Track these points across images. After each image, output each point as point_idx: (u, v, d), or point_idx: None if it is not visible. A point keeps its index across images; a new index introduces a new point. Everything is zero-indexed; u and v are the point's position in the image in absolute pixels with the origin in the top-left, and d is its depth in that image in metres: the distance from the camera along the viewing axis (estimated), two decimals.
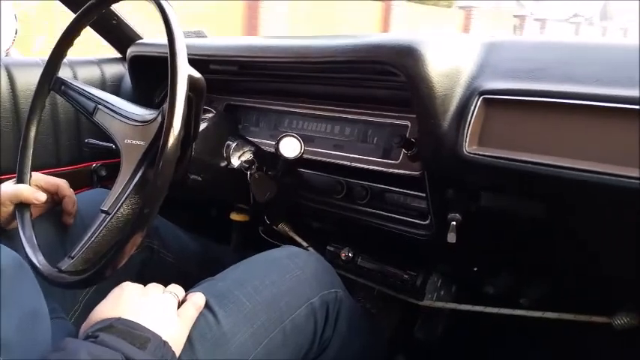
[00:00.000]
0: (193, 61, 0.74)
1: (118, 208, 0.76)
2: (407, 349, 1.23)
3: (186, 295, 0.73)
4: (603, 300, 0.98)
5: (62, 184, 0.90)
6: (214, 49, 1.11)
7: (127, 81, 1.37)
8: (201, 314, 0.71)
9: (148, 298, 0.67)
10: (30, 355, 0.56)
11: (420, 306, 1.14)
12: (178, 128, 0.66)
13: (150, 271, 1.05)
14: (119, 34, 1.34)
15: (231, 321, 0.71)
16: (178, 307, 0.69)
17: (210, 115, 0.98)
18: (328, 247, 1.22)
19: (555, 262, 0.95)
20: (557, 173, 0.68)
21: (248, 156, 0.98)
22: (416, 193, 0.98)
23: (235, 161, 0.97)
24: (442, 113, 0.78)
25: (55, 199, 0.90)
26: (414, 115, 0.85)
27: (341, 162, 1.04)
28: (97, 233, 0.75)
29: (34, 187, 0.86)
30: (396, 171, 0.97)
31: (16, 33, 1.81)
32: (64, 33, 0.90)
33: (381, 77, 0.94)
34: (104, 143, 1.17)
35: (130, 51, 1.26)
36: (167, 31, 0.71)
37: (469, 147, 0.76)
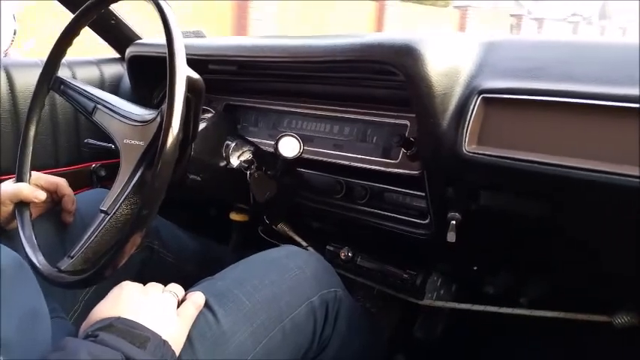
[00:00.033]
0: (192, 61, 0.74)
1: (117, 208, 0.76)
2: (407, 349, 1.23)
3: (185, 295, 0.73)
4: (603, 299, 0.98)
5: (61, 182, 0.90)
6: (213, 48, 1.11)
7: (126, 81, 1.37)
8: (200, 313, 0.71)
9: (148, 298, 0.67)
10: (30, 354, 0.56)
11: (420, 305, 1.14)
12: (177, 129, 0.66)
13: (149, 270, 1.05)
14: (118, 34, 1.34)
15: (230, 320, 0.71)
16: (178, 307, 0.69)
17: (210, 115, 0.98)
18: (328, 247, 1.22)
19: (555, 261, 0.95)
20: (556, 172, 0.68)
21: (247, 156, 0.98)
22: (415, 192, 0.98)
23: (234, 161, 0.97)
24: (441, 112, 0.78)
25: (54, 198, 0.90)
26: (414, 115, 0.85)
27: (340, 162, 1.04)
28: (96, 233, 0.75)
29: (34, 186, 0.86)
30: (395, 170, 0.97)
31: (14, 33, 1.81)
32: (63, 33, 0.90)
33: (381, 77, 0.94)
34: (103, 143, 1.17)
35: (129, 51, 1.26)
36: (166, 32, 0.71)
37: (468, 146, 0.76)
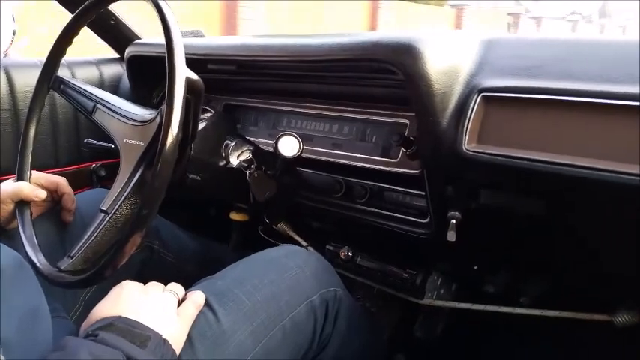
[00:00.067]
0: (191, 61, 0.74)
1: (117, 208, 0.76)
2: (407, 348, 1.23)
3: (185, 294, 0.73)
4: (604, 297, 0.98)
5: (61, 181, 0.90)
6: (212, 48, 1.11)
7: (126, 81, 1.37)
8: (201, 312, 0.71)
9: (148, 297, 0.67)
10: (31, 354, 0.56)
11: (420, 304, 1.14)
12: (176, 130, 0.66)
13: (150, 270, 1.05)
14: (117, 35, 1.33)
15: (230, 319, 0.71)
16: (178, 306, 0.70)
17: (209, 114, 0.98)
18: (328, 246, 1.22)
19: (555, 260, 0.95)
20: (556, 170, 0.68)
21: (247, 155, 0.98)
22: (415, 191, 0.98)
23: (234, 161, 0.97)
24: (441, 111, 0.78)
25: (54, 197, 0.90)
26: (413, 114, 0.85)
27: (340, 161, 1.05)
28: (96, 233, 0.75)
29: (34, 185, 0.86)
30: (395, 169, 0.97)
31: (14, 34, 1.81)
32: (62, 32, 0.90)
33: (380, 75, 0.94)
34: (103, 143, 1.17)
35: (128, 51, 1.26)
36: (165, 32, 0.71)
37: (468, 145, 0.76)
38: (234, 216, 1.25)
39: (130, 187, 0.78)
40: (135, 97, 1.32)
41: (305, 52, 0.92)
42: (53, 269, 0.73)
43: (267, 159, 1.00)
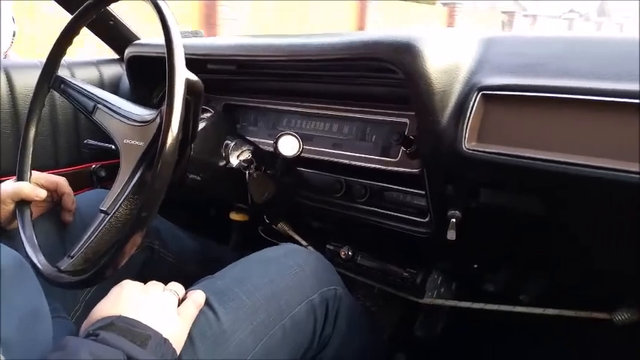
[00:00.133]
0: (191, 61, 0.74)
1: (117, 209, 0.76)
2: (407, 347, 1.23)
3: (186, 293, 0.73)
4: (603, 296, 0.98)
5: (61, 181, 0.90)
6: (212, 48, 1.11)
7: (125, 81, 1.37)
8: (201, 312, 0.71)
9: (148, 296, 0.67)
10: (31, 354, 0.56)
11: (420, 304, 1.14)
12: (176, 131, 0.66)
13: (150, 270, 1.05)
14: (116, 35, 1.34)
15: (231, 318, 0.71)
16: (178, 305, 0.70)
17: (209, 114, 0.98)
18: (328, 246, 1.22)
19: (555, 258, 0.95)
20: (557, 169, 0.68)
21: (247, 155, 0.98)
22: (415, 190, 0.98)
23: (234, 160, 0.97)
24: (441, 110, 0.78)
25: (54, 197, 0.90)
26: (413, 113, 0.85)
27: (340, 160, 1.05)
28: (96, 233, 0.75)
29: (34, 185, 0.86)
30: (395, 169, 0.97)
31: (14, 35, 1.81)
32: (62, 33, 0.90)
33: (379, 74, 0.94)
34: (103, 144, 1.17)
35: (128, 51, 1.26)
36: (164, 32, 0.71)
37: (468, 143, 0.76)
38: (235, 216, 1.25)
39: (130, 188, 0.78)
40: (135, 98, 1.32)
41: (305, 51, 0.92)
42: (53, 269, 0.73)
43: (267, 159, 1.00)
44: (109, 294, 0.68)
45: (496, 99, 0.75)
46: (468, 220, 0.84)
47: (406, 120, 0.97)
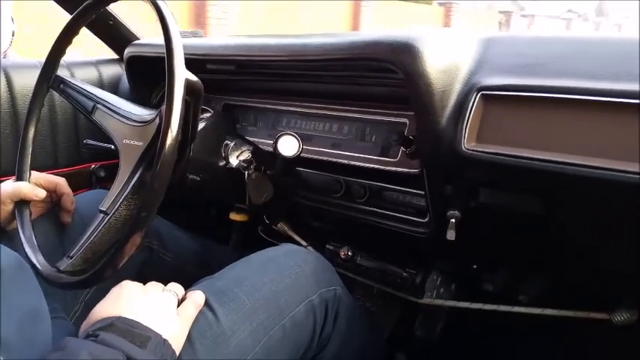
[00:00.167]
0: (190, 61, 0.74)
1: (117, 209, 0.76)
2: (406, 347, 1.23)
3: (185, 294, 0.73)
4: (602, 296, 0.98)
5: (61, 182, 0.90)
6: (211, 48, 1.11)
7: (125, 82, 1.37)
8: (200, 312, 0.71)
9: (148, 297, 0.67)
10: (30, 355, 0.56)
11: (420, 304, 1.14)
12: (175, 131, 0.66)
13: (149, 271, 1.05)
14: (116, 35, 1.34)
15: (230, 319, 0.71)
16: (178, 306, 0.70)
17: (208, 114, 0.98)
18: (327, 246, 1.22)
19: (554, 258, 0.95)
20: (556, 169, 0.68)
21: (246, 155, 0.98)
22: (415, 190, 0.98)
23: (234, 161, 0.97)
24: (440, 110, 0.78)
25: (53, 197, 0.90)
26: (412, 113, 0.85)
27: (339, 160, 1.05)
28: (95, 233, 0.75)
29: (34, 185, 0.86)
30: (394, 169, 0.97)
31: (13, 35, 1.81)
32: (61, 32, 0.90)
33: (379, 75, 0.94)
34: (102, 144, 1.17)
35: (127, 51, 1.26)
36: (164, 32, 0.71)
37: (467, 143, 0.76)
38: (234, 216, 1.25)
39: (129, 188, 0.78)
40: (134, 98, 1.32)
41: (304, 51, 0.92)
42: (52, 270, 0.73)
43: (266, 159, 1.00)
44: (108, 295, 0.68)
45: (495, 99, 0.75)
46: (467, 220, 0.84)
47: (406, 120, 0.97)
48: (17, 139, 0.93)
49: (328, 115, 1.09)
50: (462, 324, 1.25)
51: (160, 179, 0.66)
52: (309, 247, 1.20)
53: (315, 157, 1.08)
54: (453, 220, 0.83)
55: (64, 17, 0.95)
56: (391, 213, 1.01)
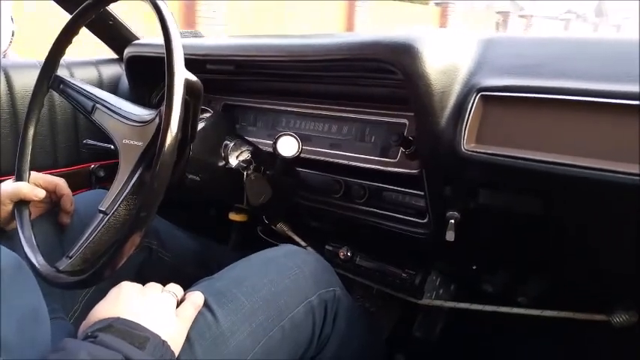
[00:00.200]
0: (190, 61, 0.74)
1: (116, 209, 0.76)
2: (406, 348, 1.23)
3: (184, 295, 0.73)
4: (602, 297, 0.98)
5: (60, 182, 0.90)
6: (211, 48, 1.11)
7: (125, 81, 1.37)
8: (199, 313, 0.71)
9: (147, 298, 0.67)
10: (29, 355, 0.56)
11: (419, 304, 1.14)
12: (175, 131, 0.66)
13: (148, 271, 1.05)
14: (116, 35, 1.33)
15: (229, 320, 0.71)
16: (177, 307, 0.69)
17: (208, 115, 0.98)
18: (327, 247, 1.22)
19: (554, 259, 0.95)
20: (555, 170, 0.68)
21: (246, 155, 0.98)
22: (414, 191, 0.98)
23: (233, 161, 0.97)
24: (440, 110, 0.78)
25: (52, 198, 0.90)
26: (412, 113, 0.85)
27: (339, 161, 1.05)
28: (95, 233, 0.75)
29: (33, 185, 0.86)
30: (394, 169, 0.97)
31: (12, 35, 1.80)
32: (61, 32, 0.90)
33: (379, 75, 0.94)
34: (102, 144, 1.17)
35: (127, 51, 1.26)
36: (163, 32, 0.71)
37: (467, 144, 0.76)
38: (234, 216, 1.24)
39: (128, 188, 0.78)
40: (134, 98, 1.32)
41: (304, 51, 0.92)
42: (52, 270, 0.73)
43: (266, 159, 1.00)
44: (107, 295, 0.68)
45: (495, 100, 0.75)
46: (466, 221, 0.84)
47: (405, 121, 0.97)
48: (17, 138, 0.92)
49: (328, 115, 1.09)
50: (461, 325, 1.25)
51: (159, 179, 0.66)
52: (309, 248, 1.19)
53: (315, 157, 1.08)
54: (453, 221, 0.83)
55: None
56: (390, 214, 1.01)
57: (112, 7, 1.24)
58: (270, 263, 0.83)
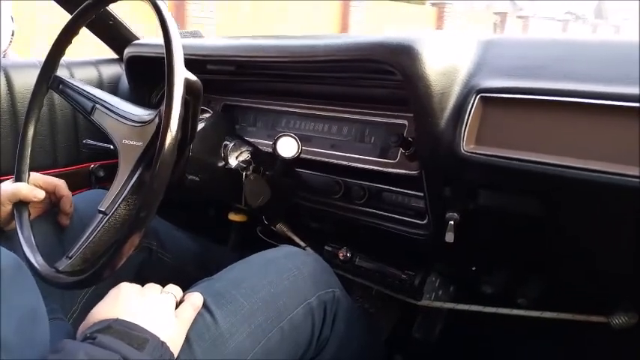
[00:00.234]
0: (190, 62, 0.74)
1: (116, 209, 0.76)
2: (405, 349, 1.23)
3: (184, 296, 0.73)
4: (601, 299, 0.98)
5: (60, 184, 0.90)
6: (211, 49, 1.11)
7: (125, 81, 1.37)
8: (199, 314, 0.71)
9: (146, 299, 0.67)
10: (29, 355, 0.56)
11: (418, 306, 1.14)
12: (175, 131, 0.66)
13: (148, 271, 1.05)
14: (116, 35, 1.33)
15: (229, 321, 0.71)
16: (176, 308, 0.69)
17: (208, 115, 0.98)
18: (326, 247, 1.22)
19: (553, 260, 0.95)
20: (555, 172, 0.68)
21: (245, 156, 0.98)
22: (414, 192, 0.98)
23: (233, 161, 0.97)
24: (439, 112, 0.78)
25: (52, 199, 0.90)
26: (412, 114, 0.85)
27: (338, 162, 1.04)
28: (94, 234, 0.75)
29: (33, 186, 0.86)
30: (393, 170, 0.97)
31: (12, 34, 1.80)
32: (61, 33, 0.90)
33: (378, 76, 0.94)
34: (102, 144, 1.17)
35: (127, 51, 1.26)
36: (163, 32, 0.71)
37: (466, 146, 0.76)
38: (233, 217, 1.24)
39: (128, 188, 0.78)
40: (134, 98, 1.32)
41: (304, 52, 0.92)
42: (51, 270, 0.73)
43: (265, 160, 1.00)
44: (106, 296, 0.68)
45: (494, 101, 0.75)
46: (466, 222, 0.84)
47: (405, 122, 0.97)
48: (17, 138, 0.92)
49: (327, 116, 1.09)
50: (460, 326, 1.25)
51: (159, 179, 0.66)
52: (308, 248, 1.19)
53: (315, 158, 1.08)
54: (452, 222, 0.83)
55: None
56: (390, 214, 1.01)
57: (112, 7, 1.23)
58: (269, 264, 0.83)
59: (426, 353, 1.25)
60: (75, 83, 0.91)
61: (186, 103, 0.72)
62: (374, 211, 1.03)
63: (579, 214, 0.80)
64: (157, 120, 0.81)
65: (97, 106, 0.88)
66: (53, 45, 0.90)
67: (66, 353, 0.55)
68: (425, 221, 0.96)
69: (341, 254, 1.18)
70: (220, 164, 0.96)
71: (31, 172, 0.89)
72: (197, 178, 0.91)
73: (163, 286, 0.73)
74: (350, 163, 1.03)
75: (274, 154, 0.94)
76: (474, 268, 1.07)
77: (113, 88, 1.38)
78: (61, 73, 0.92)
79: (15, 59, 1.65)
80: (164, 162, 0.65)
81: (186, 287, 0.76)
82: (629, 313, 0.91)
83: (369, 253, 1.18)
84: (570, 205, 0.78)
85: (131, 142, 0.81)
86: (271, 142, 0.95)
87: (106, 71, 1.38)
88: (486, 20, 15.24)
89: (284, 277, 0.80)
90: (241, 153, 0.98)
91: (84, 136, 1.28)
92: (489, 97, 0.75)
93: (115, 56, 1.43)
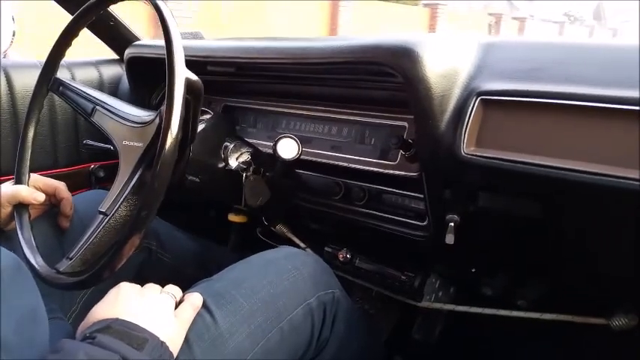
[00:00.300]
0: (191, 63, 0.74)
1: (116, 210, 0.76)
2: (405, 350, 1.23)
3: (183, 296, 0.73)
4: (601, 301, 0.98)
5: (60, 186, 0.90)
6: (212, 50, 1.11)
7: (125, 82, 1.37)
8: (198, 314, 0.71)
9: (146, 299, 0.67)
10: (28, 355, 0.56)
11: (418, 307, 1.14)
12: (176, 131, 0.66)
13: (148, 271, 1.05)
14: (116, 36, 1.34)
15: (228, 321, 0.71)
16: (176, 308, 0.69)
17: (208, 116, 0.98)
18: (326, 248, 1.22)
19: (553, 262, 0.95)
20: (555, 174, 0.69)
21: (246, 157, 0.98)
22: (414, 194, 0.98)
23: (233, 162, 0.97)
24: (440, 114, 0.78)
25: (52, 201, 0.90)
26: (412, 116, 0.85)
27: (339, 163, 1.05)
28: (95, 234, 0.75)
29: (32, 188, 0.86)
30: (393, 172, 0.97)
31: (13, 35, 1.81)
32: (61, 34, 0.90)
33: (379, 78, 0.94)
34: (102, 144, 1.17)
35: (128, 52, 1.26)
36: (164, 33, 0.71)
37: (467, 148, 0.76)
38: (233, 217, 1.24)
39: (128, 189, 0.78)
40: (134, 99, 1.32)
41: (304, 54, 0.92)
42: (51, 271, 0.73)
43: (266, 161, 1.00)
44: (105, 296, 0.68)
45: (495, 104, 0.75)
46: (466, 224, 0.84)
47: (405, 124, 0.97)
48: (17, 138, 0.92)
49: (328, 117, 1.09)
50: (460, 328, 1.25)
51: (159, 179, 0.66)
52: (308, 249, 1.19)
53: (315, 159, 1.08)
54: (452, 224, 0.83)
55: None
56: (390, 216, 1.01)
57: (113, 9, 1.24)
58: (269, 265, 0.83)
59: (426, 354, 1.25)
60: (75, 85, 0.91)
61: (187, 103, 0.72)
62: (374, 212, 1.03)
63: (579, 216, 0.80)
64: (157, 120, 0.81)
65: (97, 107, 0.88)
66: (53, 47, 0.90)
67: (65, 353, 0.55)
68: (425, 223, 0.96)
69: (341, 255, 1.18)
70: (220, 165, 0.96)
71: (31, 174, 0.89)
72: (197, 179, 0.91)
73: (163, 286, 0.73)
74: (350, 165, 1.03)
75: (274, 156, 0.95)
76: (473, 270, 1.07)
77: (114, 88, 1.38)
78: (62, 73, 0.93)
79: (15, 59, 1.65)
80: (165, 161, 0.66)
81: (185, 287, 0.76)
82: (629, 315, 0.90)
83: (369, 255, 1.18)
84: (570, 208, 0.78)
85: (131, 143, 0.82)
86: (271, 144, 0.95)
87: (106, 72, 1.38)
88: (479, 22, 14.97)
89: (284, 278, 0.80)
90: (241, 154, 0.98)
91: (84, 137, 1.28)
92: (490, 99, 0.75)
93: (116, 57, 1.43)
